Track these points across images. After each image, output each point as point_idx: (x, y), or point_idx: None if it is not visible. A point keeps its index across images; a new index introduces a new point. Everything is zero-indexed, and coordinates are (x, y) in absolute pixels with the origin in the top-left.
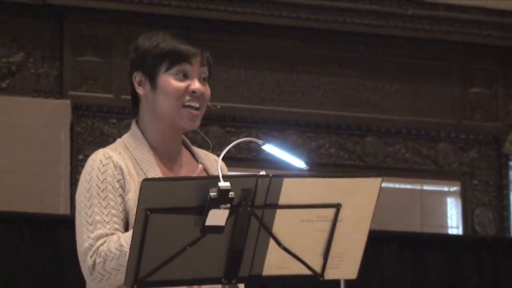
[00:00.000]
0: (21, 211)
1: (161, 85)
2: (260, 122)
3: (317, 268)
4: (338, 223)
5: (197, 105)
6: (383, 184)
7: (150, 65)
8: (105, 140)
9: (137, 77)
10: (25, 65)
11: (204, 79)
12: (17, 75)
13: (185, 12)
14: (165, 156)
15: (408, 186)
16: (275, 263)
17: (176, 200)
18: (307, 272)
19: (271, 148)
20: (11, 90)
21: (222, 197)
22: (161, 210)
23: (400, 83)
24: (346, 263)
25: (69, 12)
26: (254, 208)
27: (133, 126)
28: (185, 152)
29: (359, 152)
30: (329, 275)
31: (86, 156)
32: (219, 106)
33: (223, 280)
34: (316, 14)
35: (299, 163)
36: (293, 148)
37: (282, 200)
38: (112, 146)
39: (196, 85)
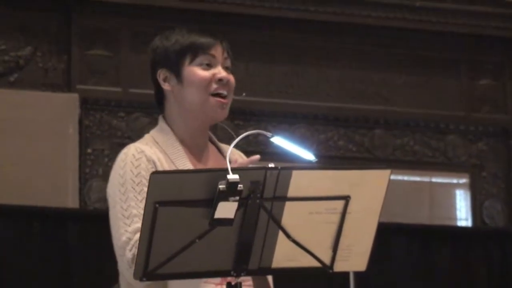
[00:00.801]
0: (30, 204)
1: (187, 77)
2: (268, 115)
3: (326, 260)
4: (347, 215)
5: (224, 92)
6: (392, 177)
7: (174, 60)
8: (114, 134)
9: (162, 74)
10: (33, 59)
11: (227, 68)
12: (25, 69)
13: (193, 5)
14: (194, 149)
15: (417, 179)
16: (285, 255)
17: (185, 193)
18: (316, 264)
19: (279, 141)
20: (19, 84)
21: (231, 190)
22: (170, 203)
23: (408, 76)
24: (355, 255)
25: (76, 6)
26: (263, 200)
27: (161, 121)
28: (211, 147)
29: (368, 144)
30: (338, 267)
31: (95, 150)
32: (244, 94)
33: (232, 272)
34: (324, 6)
35: (308, 155)
36: (302, 140)
37: (291, 193)
38: (142, 141)
39: (221, 73)
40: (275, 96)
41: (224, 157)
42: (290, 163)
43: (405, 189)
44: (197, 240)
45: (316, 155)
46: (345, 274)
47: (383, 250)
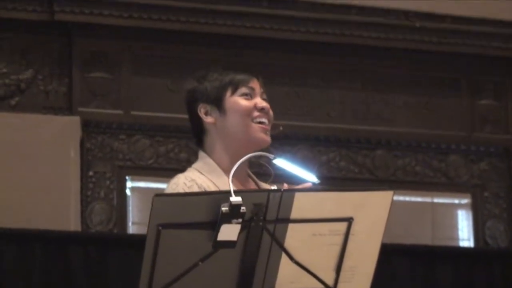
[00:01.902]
0: (32, 228)
1: (230, 106)
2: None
3: (330, 282)
4: (350, 237)
5: (266, 121)
6: (394, 197)
7: (215, 94)
8: (115, 156)
9: (203, 108)
10: (34, 82)
11: (264, 100)
12: (26, 92)
13: (194, 27)
14: (237, 181)
15: (419, 199)
16: (288, 277)
17: (188, 215)
18: (319, 286)
19: (282, 162)
20: (21, 107)
21: (234, 212)
22: (173, 225)
23: (409, 96)
24: (359, 277)
25: (77, 29)
26: (266, 222)
27: (203, 155)
28: (251, 183)
29: (369, 165)
30: None
31: (96, 173)
32: (281, 128)
33: None
34: (324, 28)
35: (310, 177)
36: (304, 162)
37: (294, 215)
38: (188, 172)
39: (262, 102)
40: (276, 117)
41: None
42: (293, 185)
43: (407, 210)
44: (200, 263)
45: (318, 177)
46: None
47: (386, 271)
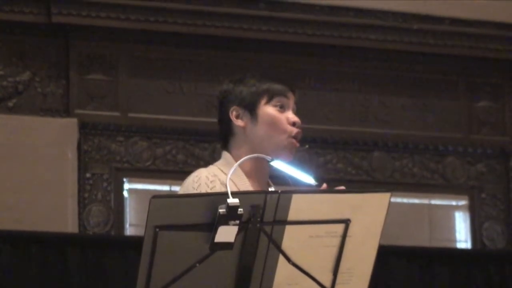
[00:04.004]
0: (29, 230)
1: (263, 115)
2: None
3: (327, 283)
4: (347, 239)
5: (297, 135)
6: (391, 199)
7: (250, 99)
8: (112, 158)
9: (235, 111)
10: (32, 84)
11: (294, 113)
12: (24, 94)
13: (191, 29)
14: (257, 185)
15: (416, 201)
16: (285, 279)
17: (185, 217)
18: None
19: (279, 164)
20: (18, 109)
21: (231, 214)
22: (170, 227)
23: (407, 98)
24: (356, 278)
25: (75, 31)
26: (263, 224)
27: (227, 155)
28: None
29: (367, 167)
30: None
31: (94, 175)
32: (307, 146)
33: None
34: (321, 30)
35: (308, 179)
36: (301, 164)
37: (291, 216)
38: (210, 168)
39: (295, 117)
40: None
41: None
42: (290, 187)
43: (404, 212)
44: (197, 265)
45: (316, 178)
46: None
47: (384, 273)
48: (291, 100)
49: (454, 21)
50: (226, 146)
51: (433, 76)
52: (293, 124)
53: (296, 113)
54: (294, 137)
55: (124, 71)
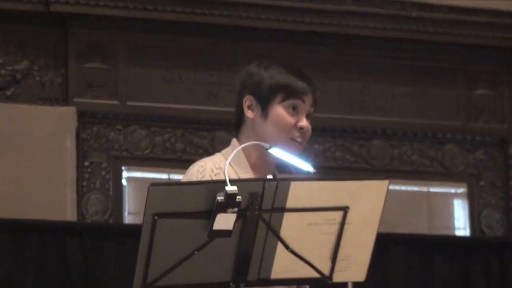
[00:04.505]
0: (28, 218)
1: (273, 115)
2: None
3: (325, 271)
4: (345, 226)
5: (301, 140)
6: (390, 187)
7: (265, 94)
8: (111, 147)
9: (248, 100)
10: (30, 72)
11: (308, 115)
12: (22, 83)
13: (190, 18)
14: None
15: (415, 188)
16: (283, 266)
17: (184, 205)
18: (315, 275)
19: (278, 152)
20: (16, 98)
21: (230, 201)
22: (168, 214)
23: (405, 86)
24: (354, 266)
25: (73, 19)
26: (262, 211)
27: (235, 143)
28: None
29: (365, 155)
30: (337, 278)
31: (92, 163)
32: (316, 146)
33: (231, 284)
34: (320, 18)
35: (306, 166)
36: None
37: (290, 204)
38: (215, 158)
39: (304, 122)
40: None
41: None
42: (289, 174)
43: (403, 199)
44: (196, 252)
45: (314, 166)
46: (344, 285)
47: (382, 260)
48: (308, 103)
49: (453, 9)
50: (237, 132)
51: (431, 64)
52: (301, 128)
53: (311, 115)
54: (296, 140)
55: (123, 59)
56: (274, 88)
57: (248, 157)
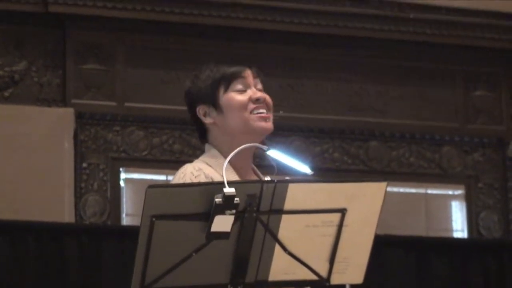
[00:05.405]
0: (26, 220)
1: (226, 104)
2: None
3: (323, 273)
4: (343, 228)
5: (264, 110)
6: (388, 189)
7: (209, 94)
8: (109, 148)
9: (201, 109)
10: (28, 73)
11: (259, 90)
12: (20, 84)
13: (188, 19)
14: (242, 175)
15: (413, 190)
16: (281, 268)
17: (182, 207)
18: (313, 277)
19: (276, 154)
20: (14, 99)
21: (228, 203)
22: (166, 216)
23: (403, 87)
24: (352, 267)
25: (71, 20)
26: (260, 213)
27: (209, 147)
28: (253, 176)
29: (363, 156)
30: (335, 280)
31: (90, 164)
32: (281, 112)
33: (229, 286)
34: (318, 19)
35: (304, 168)
36: (297, 153)
37: (288, 206)
38: (196, 163)
39: (257, 93)
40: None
41: None
42: (287, 176)
43: (401, 201)
44: (194, 254)
45: (312, 168)
46: (342, 287)
47: (380, 262)
48: (249, 78)
49: (451, 10)
50: (206, 140)
51: (429, 65)
52: (257, 100)
53: (263, 88)
54: (259, 112)
55: (121, 60)
56: (213, 84)
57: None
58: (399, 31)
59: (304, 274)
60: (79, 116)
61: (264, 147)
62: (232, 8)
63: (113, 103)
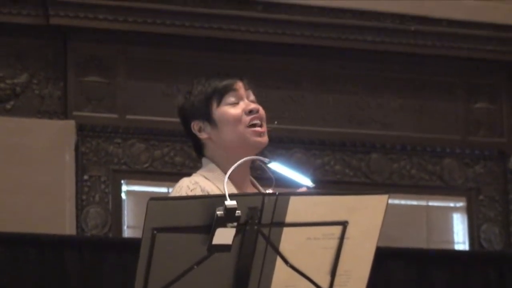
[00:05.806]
0: (27, 232)
1: (220, 118)
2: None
3: (324, 286)
4: (345, 241)
5: (258, 122)
6: (389, 201)
7: (202, 109)
8: (110, 160)
9: (195, 125)
10: (29, 86)
11: (252, 101)
12: (21, 96)
13: (189, 31)
14: (240, 187)
15: (414, 202)
16: (282, 281)
17: (183, 219)
18: None
19: (277, 166)
20: (16, 111)
21: (229, 216)
22: (167, 229)
23: (404, 100)
24: (353, 280)
25: (72, 33)
26: (261, 226)
27: (206, 161)
28: (252, 189)
29: (364, 169)
30: None
31: (91, 177)
32: (276, 122)
33: None
34: (319, 31)
35: (305, 180)
36: (298, 166)
37: (289, 218)
38: (193, 176)
39: (250, 105)
40: (271, 121)
41: None
42: (288, 188)
43: (402, 213)
44: (195, 267)
45: (313, 180)
46: None
47: (381, 275)
48: (241, 90)
49: (452, 22)
50: (203, 155)
51: (430, 77)
52: (250, 112)
53: (257, 100)
54: (252, 124)
55: (122, 73)
56: (205, 99)
57: (224, 171)
58: (401, 43)
59: (306, 287)
60: (80, 129)
61: (265, 160)
62: (233, 21)
63: (115, 116)
